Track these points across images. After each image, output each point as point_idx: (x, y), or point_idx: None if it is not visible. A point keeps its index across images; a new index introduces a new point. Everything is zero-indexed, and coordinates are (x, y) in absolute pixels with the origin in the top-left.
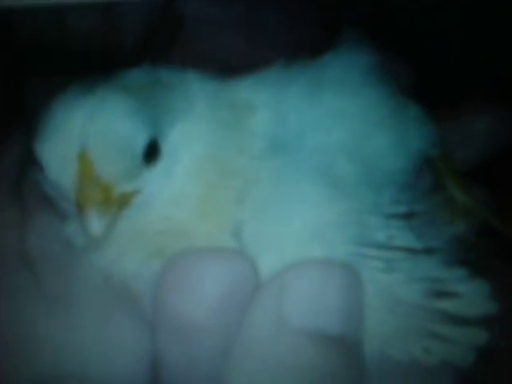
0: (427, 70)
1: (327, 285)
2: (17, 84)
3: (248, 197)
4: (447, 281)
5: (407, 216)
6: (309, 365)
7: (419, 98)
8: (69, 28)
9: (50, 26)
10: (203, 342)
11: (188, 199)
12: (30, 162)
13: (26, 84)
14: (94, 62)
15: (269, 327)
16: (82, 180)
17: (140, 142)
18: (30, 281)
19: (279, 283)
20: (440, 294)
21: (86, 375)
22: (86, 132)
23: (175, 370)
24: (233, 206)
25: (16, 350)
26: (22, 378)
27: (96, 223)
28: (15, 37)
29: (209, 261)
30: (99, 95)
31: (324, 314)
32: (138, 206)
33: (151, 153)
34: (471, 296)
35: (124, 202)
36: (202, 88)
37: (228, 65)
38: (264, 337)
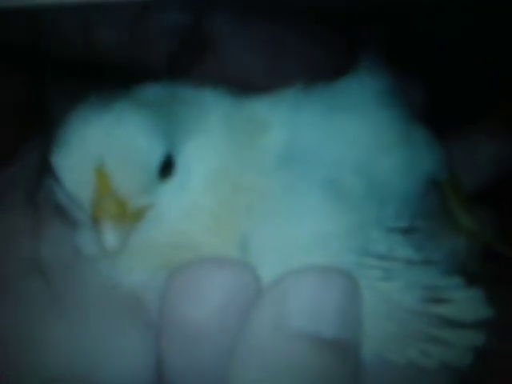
0: (436, 93)
1: (326, 291)
2: (40, 90)
3: (256, 210)
4: (444, 288)
5: (409, 230)
6: (308, 369)
7: (428, 121)
8: (94, 40)
9: (75, 37)
10: (206, 345)
11: (200, 213)
12: (46, 170)
13: (48, 91)
14: (117, 75)
15: (269, 331)
16: (99, 194)
17: (156, 156)
18: (41, 287)
19: (280, 289)
20: (437, 301)
21: (92, 380)
22: (103, 146)
23: (179, 375)
24: (243, 221)
25: (24, 354)
26: (30, 381)
27: (112, 237)
28: (40, 45)
29: (212, 269)
30: (117, 109)
31: (322, 319)
32: (151, 220)
33: (166, 167)
34: (467, 302)
35: (138, 215)
36: (217, 104)
37: (248, 85)
38: (264, 341)
